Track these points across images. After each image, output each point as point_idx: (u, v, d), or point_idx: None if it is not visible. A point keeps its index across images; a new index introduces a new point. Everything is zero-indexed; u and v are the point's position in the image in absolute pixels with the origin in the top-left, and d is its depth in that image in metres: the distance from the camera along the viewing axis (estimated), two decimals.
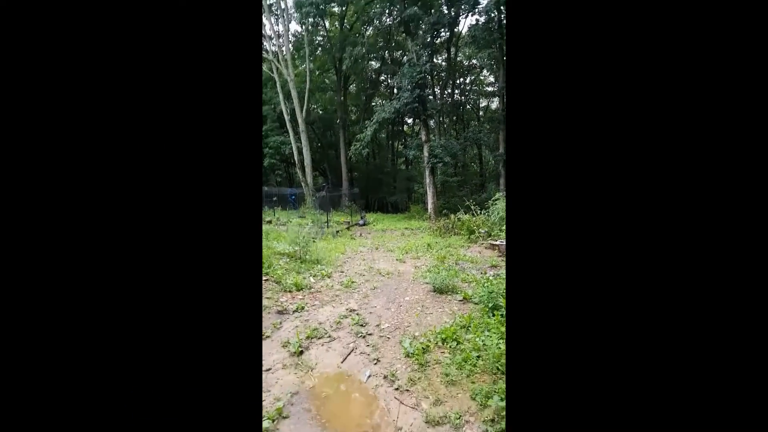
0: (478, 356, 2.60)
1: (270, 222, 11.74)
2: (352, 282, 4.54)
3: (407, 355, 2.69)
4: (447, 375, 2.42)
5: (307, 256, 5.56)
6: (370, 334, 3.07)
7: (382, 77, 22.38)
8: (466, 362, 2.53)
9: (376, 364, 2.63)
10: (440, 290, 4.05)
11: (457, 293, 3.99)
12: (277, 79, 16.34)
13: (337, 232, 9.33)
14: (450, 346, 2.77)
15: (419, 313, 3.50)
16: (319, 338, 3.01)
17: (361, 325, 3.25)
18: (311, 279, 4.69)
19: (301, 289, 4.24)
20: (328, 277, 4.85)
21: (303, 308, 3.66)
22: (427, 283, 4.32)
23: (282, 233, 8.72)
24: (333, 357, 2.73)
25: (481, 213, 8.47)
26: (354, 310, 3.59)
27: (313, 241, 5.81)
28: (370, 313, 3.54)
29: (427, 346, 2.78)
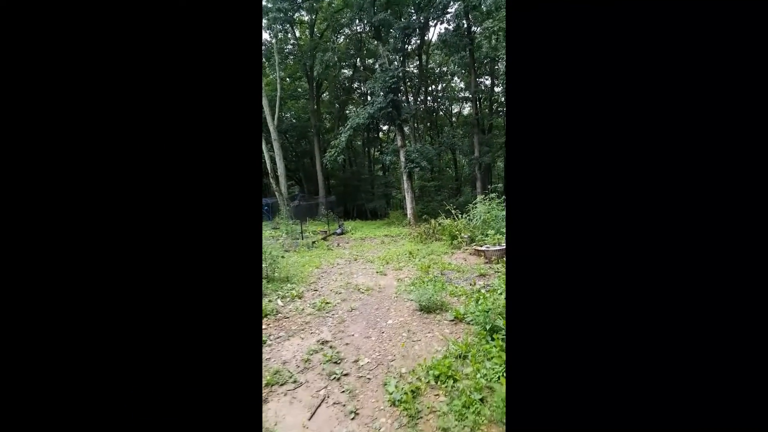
0: (482, 398, 2.03)
1: None
2: (327, 303, 3.87)
3: (393, 404, 2.07)
4: (445, 430, 1.83)
5: (276, 274, 4.83)
6: (346, 375, 2.43)
7: (355, 84, 21.94)
8: (467, 409, 1.95)
9: (353, 419, 1.99)
10: (427, 308, 3.47)
11: (447, 311, 3.42)
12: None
13: (313, 243, 8.60)
14: (445, 386, 2.18)
15: (405, 340, 2.89)
16: (281, 384, 2.34)
17: (336, 362, 2.60)
18: (278, 302, 3.98)
19: (266, 315, 3.53)
20: (299, 298, 4.15)
21: (265, 342, 2.96)
22: (411, 300, 3.73)
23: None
24: (298, 412, 2.07)
25: (462, 217, 8.02)
26: (327, 342, 2.94)
27: (282, 257, 5.08)
28: (347, 344, 2.90)
29: (418, 388, 2.18)
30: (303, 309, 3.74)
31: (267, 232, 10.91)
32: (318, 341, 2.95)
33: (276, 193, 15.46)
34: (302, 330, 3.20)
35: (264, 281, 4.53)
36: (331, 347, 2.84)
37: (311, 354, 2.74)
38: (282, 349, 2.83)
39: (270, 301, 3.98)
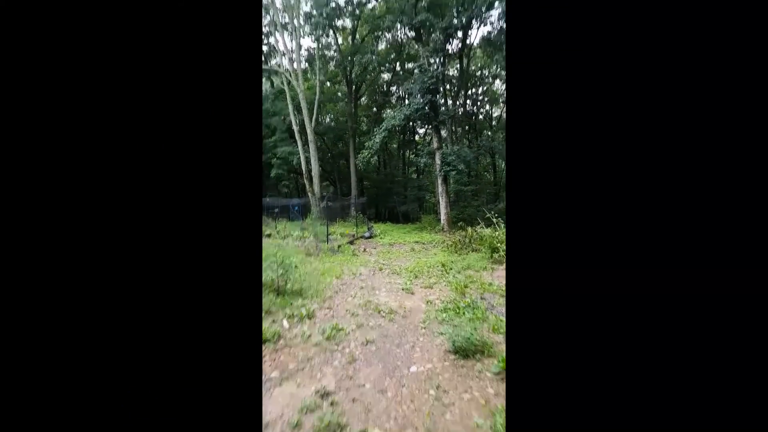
0: None
1: (269, 235, 10.48)
2: (338, 330, 3.09)
3: None
4: None
5: (289, 285, 4.16)
6: None
7: (393, 88, 21.27)
8: None
9: None
10: (464, 351, 2.56)
11: (490, 356, 2.49)
12: (287, 91, 15.59)
13: (338, 247, 7.93)
14: None
15: (432, 404, 2.02)
16: None
17: None
18: (284, 323, 3.27)
19: (265, 341, 2.83)
20: (309, 318, 3.42)
21: None
22: (442, 335, 2.84)
23: (281, 249, 7.41)
24: None
25: (504, 226, 6.91)
26: (328, 394, 2.14)
27: (296, 267, 4.39)
28: (354, 400, 2.08)
29: None
30: (309, 336, 2.99)
31: (295, 232, 10.48)
32: (317, 391, 2.17)
33: (309, 193, 15.18)
34: (301, 369, 2.43)
35: (272, 295, 3.86)
36: (332, 403, 2.04)
37: (304, 412, 1.96)
38: (269, 401, 2.08)
39: (274, 321, 3.29)
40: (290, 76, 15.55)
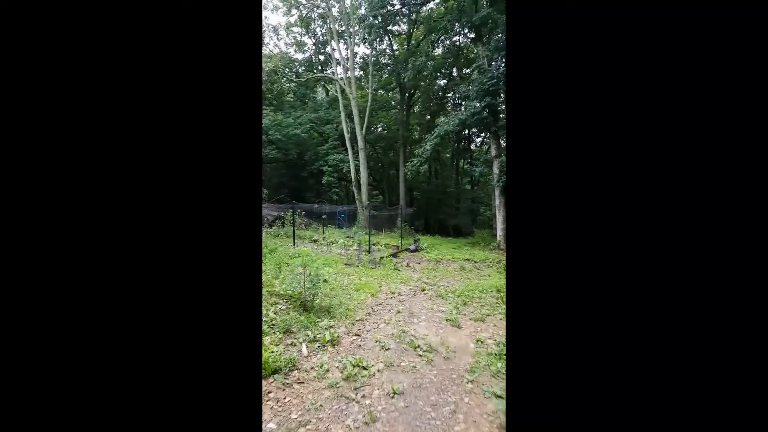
0: None
1: (316, 241, 10.42)
2: (362, 370, 2.53)
3: None
4: None
5: (317, 301, 3.73)
6: None
7: (449, 94, 20.54)
8: None
9: None
10: None
11: None
12: (340, 99, 15.87)
13: (380, 258, 7.42)
14: None
15: None
16: None
17: None
18: (303, 348, 2.81)
19: (276, 371, 2.38)
20: (333, 346, 2.92)
21: None
22: (496, 399, 2.11)
23: (320, 257, 7.17)
24: None
25: None
26: None
27: (325, 281, 3.95)
28: None
29: None
30: (327, 371, 2.48)
31: (340, 239, 10.28)
32: None
33: (357, 201, 15.08)
34: (304, 425, 1.91)
35: (297, 312, 3.45)
36: None
37: None
38: None
39: (293, 344, 2.84)
40: (344, 83, 15.79)
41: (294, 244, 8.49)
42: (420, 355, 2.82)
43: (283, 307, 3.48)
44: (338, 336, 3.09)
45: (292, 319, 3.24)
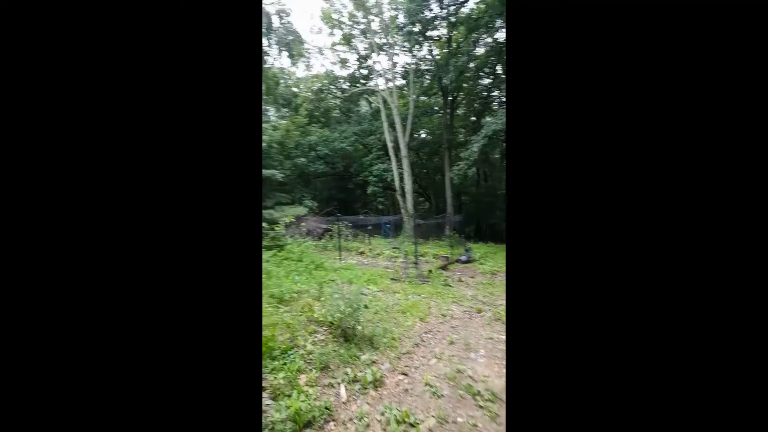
0: None
1: (362, 253, 10.23)
2: (409, 426, 2.07)
3: None
4: None
5: (359, 328, 3.36)
6: None
7: (495, 93, 19.36)
8: None
9: None
10: None
11: None
12: (382, 109, 15.81)
13: (429, 272, 6.89)
14: None
15: None
16: None
17: None
18: (342, 391, 2.44)
19: (307, 425, 2.04)
20: (375, 388, 2.51)
21: None
22: None
23: (366, 270, 6.89)
24: None
25: None
26: None
27: (366, 307, 3.57)
28: None
29: None
30: (367, 426, 2.07)
31: (386, 251, 9.94)
32: None
33: (402, 210, 14.70)
34: None
35: (336, 344, 3.10)
36: None
37: None
38: None
39: (330, 385, 2.49)
40: (386, 94, 15.72)
41: (340, 258, 8.34)
42: (481, 406, 2.27)
43: (323, 337, 3.17)
44: (381, 376, 2.67)
45: (333, 353, 2.90)
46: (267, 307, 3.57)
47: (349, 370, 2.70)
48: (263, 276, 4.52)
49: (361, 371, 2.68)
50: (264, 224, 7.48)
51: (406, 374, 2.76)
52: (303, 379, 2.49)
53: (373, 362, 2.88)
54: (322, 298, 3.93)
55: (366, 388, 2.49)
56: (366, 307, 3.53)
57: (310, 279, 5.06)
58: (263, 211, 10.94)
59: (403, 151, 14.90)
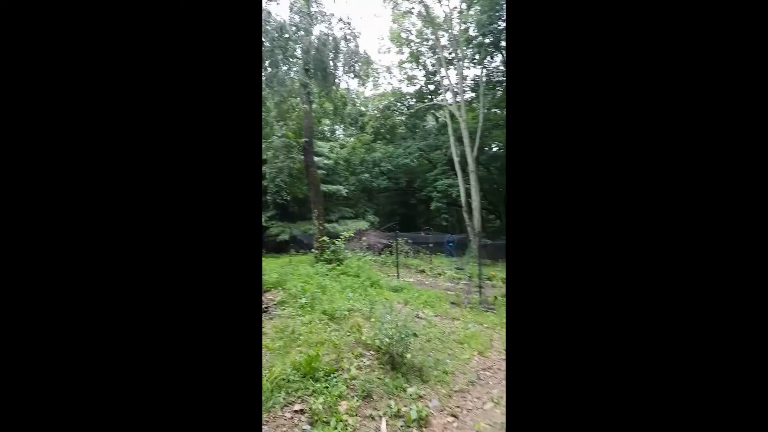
0: None
1: (423, 271, 9.94)
2: None
3: None
4: None
5: (408, 356, 3.14)
6: None
7: None
8: None
9: None
10: None
11: None
12: (449, 124, 15.59)
13: (495, 298, 6.29)
14: None
15: None
16: None
17: None
18: (383, 426, 2.26)
19: None
20: (419, 428, 2.27)
21: None
22: None
23: (424, 291, 6.62)
24: None
25: None
26: None
27: (414, 335, 3.32)
28: None
29: None
30: None
31: (448, 271, 9.48)
32: None
33: (468, 227, 14.00)
34: None
35: (381, 371, 2.94)
36: None
37: None
38: None
39: (371, 416, 2.33)
40: (454, 108, 15.48)
41: (398, 276, 8.20)
42: None
43: (368, 362, 3.04)
44: (428, 414, 2.41)
45: (377, 381, 2.74)
46: (317, 323, 3.60)
47: (392, 402, 2.51)
48: (318, 290, 4.63)
49: (405, 406, 2.46)
50: (325, 238, 7.79)
51: (455, 416, 2.45)
52: (343, 406, 2.38)
53: (420, 397, 2.64)
54: (372, 319, 3.83)
55: (409, 427, 2.26)
56: (415, 335, 3.30)
57: (364, 296, 5.02)
58: (327, 225, 11.50)
59: (471, 166, 14.32)
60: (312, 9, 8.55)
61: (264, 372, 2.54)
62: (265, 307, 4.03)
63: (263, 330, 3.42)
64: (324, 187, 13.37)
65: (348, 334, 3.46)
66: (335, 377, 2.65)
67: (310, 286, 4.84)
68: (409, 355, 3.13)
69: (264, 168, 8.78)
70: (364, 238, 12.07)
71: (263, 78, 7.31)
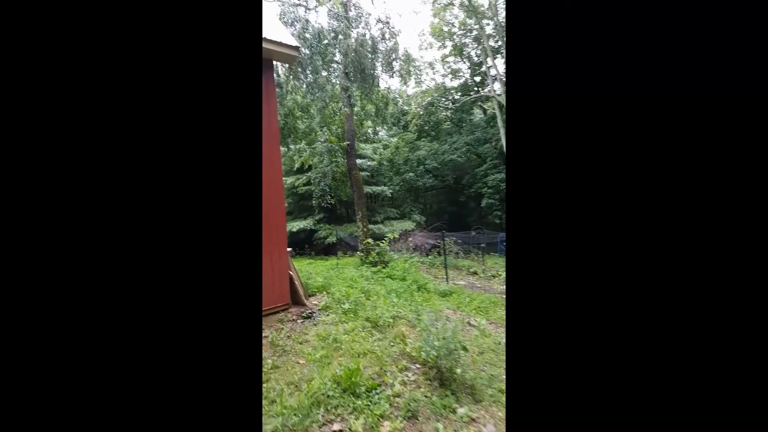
0: None
1: (475, 273, 9.40)
2: None
3: None
4: None
5: (458, 370, 2.85)
6: None
7: None
8: None
9: None
10: None
11: None
12: (499, 115, 14.72)
13: None
14: None
15: None
16: None
17: None
18: None
19: None
20: None
21: None
22: None
23: (477, 295, 6.20)
24: None
25: None
26: None
27: (465, 349, 3.00)
28: None
29: None
30: None
31: (503, 273, 8.83)
32: None
33: None
34: None
35: (428, 388, 2.69)
36: None
37: None
38: None
39: None
40: (503, 98, 14.57)
41: (447, 278, 7.83)
42: None
43: (414, 377, 2.81)
44: None
45: (422, 400, 2.51)
46: (360, 331, 3.47)
47: (440, 426, 2.25)
48: (361, 295, 4.52)
49: (456, 430, 2.19)
50: (369, 240, 7.72)
51: None
52: (386, 427, 2.19)
53: (473, 420, 2.34)
54: (419, 327, 3.59)
55: None
56: (465, 349, 2.99)
57: (410, 301, 4.80)
58: (372, 226, 11.48)
59: None
60: (350, 13, 8.58)
61: (303, 385, 2.46)
62: (310, 312, 4.02)
63: (306, 337, 3.38)
64: (368, 188, 13.44)
65: (392, 344, 3.27)
66: (377, 393, 2.48)
67: (354, 290, 4.76)
68: (459, 370, 2.83)
69: (309, 173, 9.03)
70: (410, 239, 11.85)
71: (304, 85, 7.50)
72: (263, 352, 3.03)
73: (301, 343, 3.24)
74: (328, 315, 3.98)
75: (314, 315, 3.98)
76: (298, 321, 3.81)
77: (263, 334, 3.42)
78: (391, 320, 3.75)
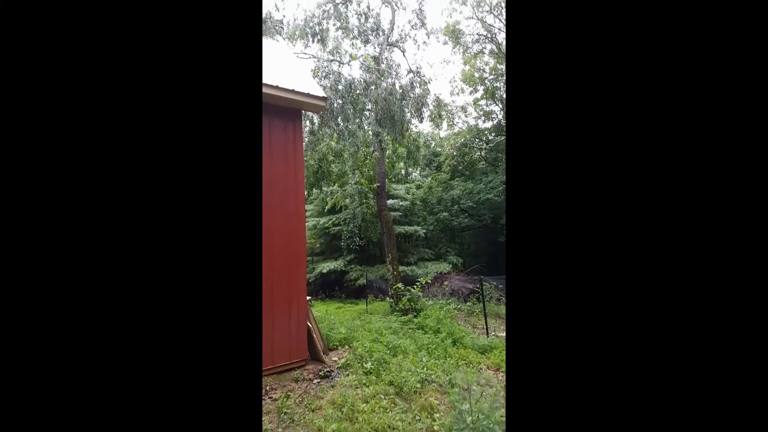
0: None
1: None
2: None
3: None
4: None
5: None
6: None
7: None
8: None
9: None
10: None
11: None
12: None
13: None
14: None
15: None
16: None
17: None
18: None
19: None
20: None
21: None
22: None
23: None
24: None
25: None
26: None
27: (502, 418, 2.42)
28: None
29: None
30: None
31: None
32: None
33: None
34: None
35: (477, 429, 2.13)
36: None
37: None
38: None
39: None
40: None
41: (486, 331, 7.02)
42: None
43: None
44: None
45: None
46: (382, 399, 3.01)
47: None
48: (387, 352, 4.06)
49: None
50: (399, 285, 7.29)
51: None
52: None
53: None
54: (450, 397, 3.04)
55: None
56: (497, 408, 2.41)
57: (444, 359, 4.22)
58: (405, 267, 11.03)
59: None
60: (381, 65, 9.09)
61: None
62: (328, 371, 3.64)
63: (320, 402, 2.99)
64: (401, 228, 13.18)
65: (417, 418, 2.76)
66: None
67: (380, 345, 4.32)
68: None
69: (339, 215, 9.12)
70: (446, 282, 11.12)
71: (336, 133, 7.82)
72: (268, 422, 2.68)
73: (313, 410, 2.85)
74: (347, 375, 3.57)
75: (332, 374, 3.59)
76: (314, 381, 3.43)
77: (275, 396, 3.09)
78: (418, 385, 3.24)
